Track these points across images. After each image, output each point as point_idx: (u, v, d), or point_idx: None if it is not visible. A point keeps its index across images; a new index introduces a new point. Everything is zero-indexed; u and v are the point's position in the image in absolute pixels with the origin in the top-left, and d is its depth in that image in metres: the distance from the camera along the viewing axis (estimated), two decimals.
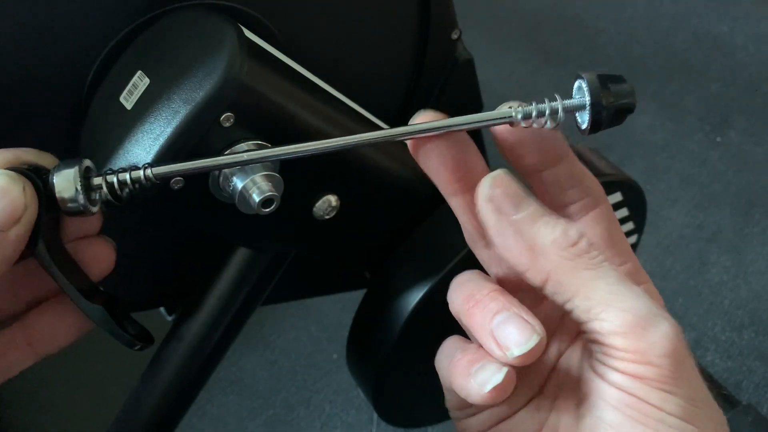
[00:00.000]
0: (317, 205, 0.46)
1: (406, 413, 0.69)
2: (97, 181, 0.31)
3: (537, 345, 0.29)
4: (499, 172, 0.30)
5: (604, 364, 0.28)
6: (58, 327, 0.35)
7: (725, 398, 0.83)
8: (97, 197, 0.31)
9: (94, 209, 0.31)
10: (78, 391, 0.96)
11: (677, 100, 1.28)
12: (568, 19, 1.40)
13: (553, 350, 0.35)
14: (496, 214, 0.30)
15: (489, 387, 0.30)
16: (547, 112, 0.31)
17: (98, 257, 0.35)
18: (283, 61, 0.42)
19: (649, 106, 1.27)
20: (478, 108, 0.62)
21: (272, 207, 0.40)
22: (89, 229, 0.35)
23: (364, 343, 0.59)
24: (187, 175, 0.33)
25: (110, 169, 0.31)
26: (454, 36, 0.54)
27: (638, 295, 0.28)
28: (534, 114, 0.30)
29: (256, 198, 0.39)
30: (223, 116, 0.38)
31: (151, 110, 0.38)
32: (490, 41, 1.36)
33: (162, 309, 0.58)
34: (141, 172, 0.31)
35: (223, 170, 0.39)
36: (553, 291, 0.29)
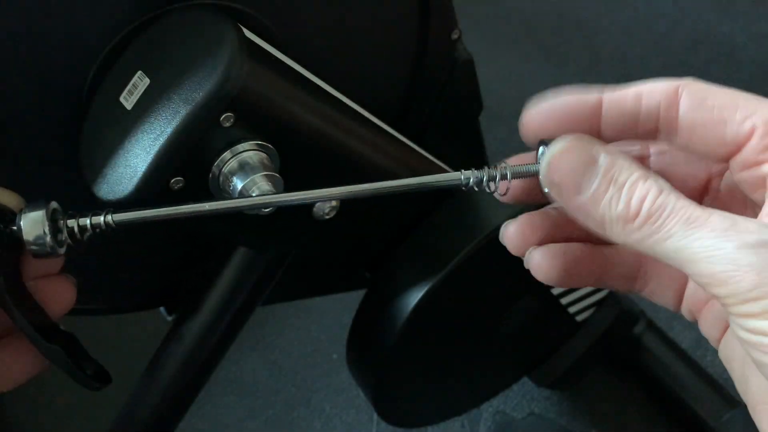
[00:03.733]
0: (317, 205, 0.46)
1: (406, 413, 0.69)
2: (67, 223, 0.31)
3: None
4: (555, 150, 0.29)
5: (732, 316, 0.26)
6: (15, 365, 0.34)
7: (725, 398, 0.83)
8: (64, 239, 0.31)
9: (61, 251, 0.31)
10: (78, 391, 0.96)
11: None
12: (568, 19, 1.40)
13: None
14: (561, 199, 0.29)
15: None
16: (498, 177, 0.31)
17: (59, 295, 0.34)
18: (283, 61, 0.42)
19: None
20: (478, 108, 0.62)
21: (272, 207, 0.40)
22: (50, 268, 0.34)
23: (364, 343, 0.59)
24: (150, 222, 0.31)
25: (71, 212, 0.31)
26: (454, 36, 0.54)
27: (707, 239, 0.25)
28: (485, 179, 0.31)
29: None
30: (223, 116, 0.38)
31: (151, 110, 0.38)
32: (490, 41, 1.36)
33: (162, 309, 0.58)
34: (101, 218, 0.31)
35: (223, 170, 0.39)
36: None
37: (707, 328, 0.32)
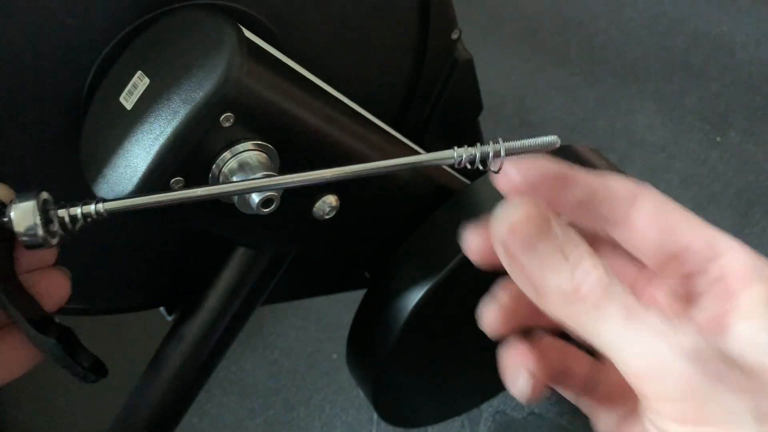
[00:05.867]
0: (317, 205, 0.46)
1: (406, 413, 0.69)
2: (58, 213, 0.31)
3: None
4: (512, 207, 0.28)
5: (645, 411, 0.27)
6: (11, 357, 0.34)
7: None
8: (57, 229, 0.30)
9: (54, 241, 0.30)
10: (78, 391, 0.96)
11: (677, 100, 1.28)
12: (568, 19, 1.40)
13: None
14: (506, 257, 0.29)
15: (524, 399, 0.31)
16: (491, 155, 0.30)
17: (53, 288, 0.34)
18: (283, 61, 0.42)
19: (649, 106, 1.27)
20: (478, 108, 0.62)
21: (272, 207, 0.40)
22: (44, 260, 0.34)
23: (364, 343, 0.59)
24: (139, 210, 0.31)
25: (62, 203, 0.31)
26: (454, 36, 0.54)
27: (643, 333, 0.26)
28: (478, 156, 0.30)
29: (256, 198, 0.39)
30: (223, 116, 0.38)
31: (151, 110, 0.38)
32: (490, 41, 1.36)
33: (162, 309, 0.58)
34: (92, 207, 0.30)
35: (223, 170, 0.39)
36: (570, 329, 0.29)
37: (601, 426, 0.33)
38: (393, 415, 0.67)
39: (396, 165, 0.32)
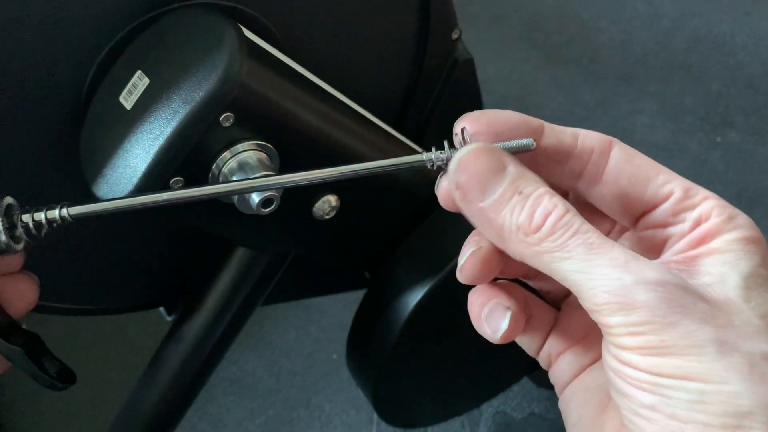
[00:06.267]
0: (317, 205, 0.46)
1: (406, 413, 0.69)
2: (22, 218, 0.30)
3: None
4: (466, 151, 0.28)
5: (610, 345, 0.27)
6: None
7: None
8: (21, 234, 0.30)
9: (18, 247, 0.29)
10: (78, 391, 0.97)
11: (677, 100, 1.28)
12: (568, 19, 1.40)
13: None
14: (464, 202, 0.28)
15: (499, 334, 0.31)
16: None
17: (19, 294, 0.34)
18: (283, 61, 0.42)
19: (649, 106, 1.27)
20: (478, 107, 0.62)
21: (272, 207, 0.40)
22: (11, 266, 0.33)
23: (364, 343, 0.59)
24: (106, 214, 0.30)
25: (27, 208, 0.30)
26: (454, 36, 0.54)
27: (607, 266, 0.26)
28: (450, 157, 0.30)
29: (256, 198, 0.39)
30: (223, 116, 0.38)
31: (151, 110, 0.38)
32: (490, 41, 1.36)
33: (162, 309, 0.58)
34: (57, 212, 0.29)
35: (223, 170, 0.39)
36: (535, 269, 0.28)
37: (559, 373, 0.33)
38: (393, 415, 0.67)
39: (372, 168, 0.31)
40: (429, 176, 0.54)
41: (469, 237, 0.31)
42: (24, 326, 0.34)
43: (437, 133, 0.59)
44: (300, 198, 0.46)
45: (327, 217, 0.47)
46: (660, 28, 1.38)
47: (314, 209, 0.46)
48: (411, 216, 0.54)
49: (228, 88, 0.37)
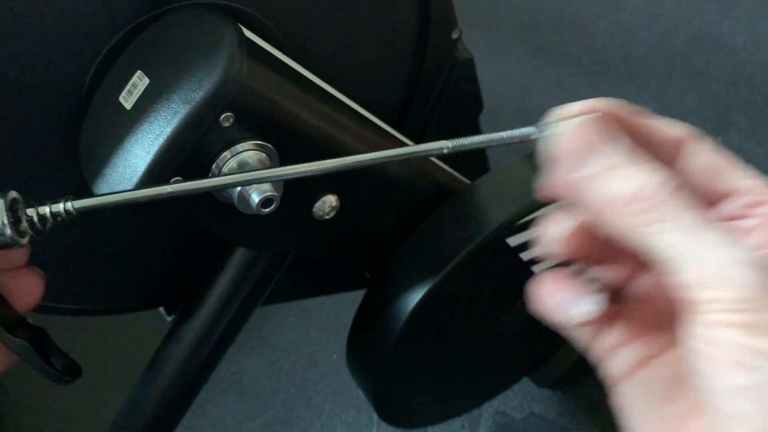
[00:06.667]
0: (317, 205, 0.46)
1: (406, 413, 0.69)
2: (26, 212, 0.30)
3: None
4: (569, 125, 0.29)
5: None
6: None
7: None
8: (26, 229, 0.30)
9: (23, 241, 0.29)
10: (78, 391, 0.96)
11: (677, 100, 1.28)
12: (568, 19, 1.40)
13: None
14: (573, 171, 0.28)
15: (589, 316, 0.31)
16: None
17: (25, 289, 0.34)
18: (283, 61, 0.42)
19: (649, 106, 1.27)
20: (478, 108, 0.62)
21: (272, 207, 0.40)
22: (16, 260, 0.33)
23: (364, 344, 0.59)
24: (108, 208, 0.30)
25: (31, 202, 0.30)
26: (454, 36, 0.54)
27: (709, 242, 0.26)
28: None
29: (256, 198, 0.39)
30: (223, 116, 0.38)
31: (151, 110, 0.38)
32: (490, 41, 1.36)
33: (162, 309, 0.58)
34: (61, 206, 0.29)
35: (223, 170, 0.39)
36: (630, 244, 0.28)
37: (617, 366, 0.32)
38: (393, 415, 0.67)
39: (390, 156, 0.31)
40: (429, 176, 0.54)
41: (548, 217, 0.31)
42: (30, 321, 0.34)
43: (437, 132, 0.59)
44: (300, 198, 0.46)
45: (327, 217, 0.47)
46: (660, 28, 1.37)
47: (314, 209, 0.46)
48: (411, 216, 0.54)
49: (228, 88, 0.37)
